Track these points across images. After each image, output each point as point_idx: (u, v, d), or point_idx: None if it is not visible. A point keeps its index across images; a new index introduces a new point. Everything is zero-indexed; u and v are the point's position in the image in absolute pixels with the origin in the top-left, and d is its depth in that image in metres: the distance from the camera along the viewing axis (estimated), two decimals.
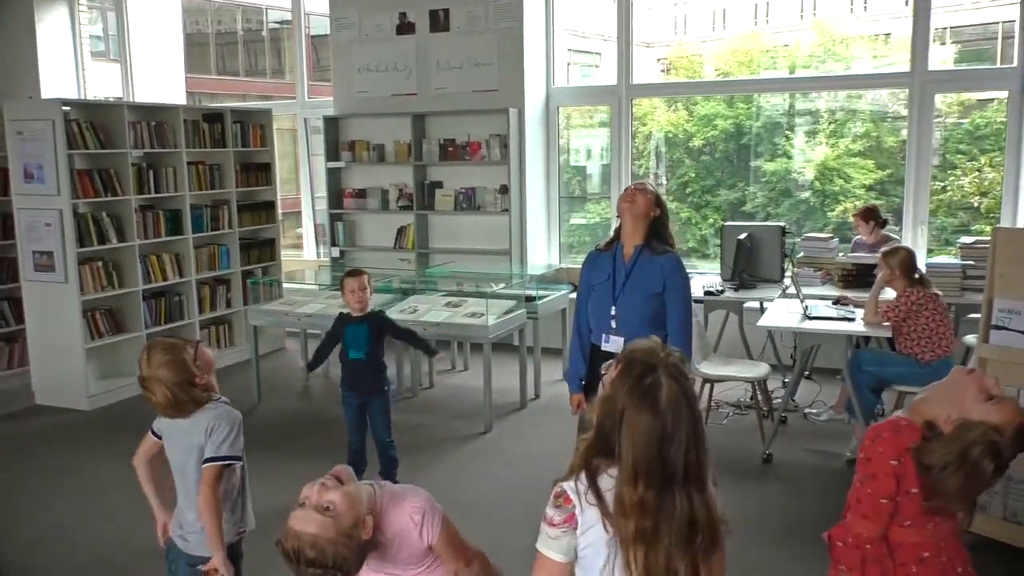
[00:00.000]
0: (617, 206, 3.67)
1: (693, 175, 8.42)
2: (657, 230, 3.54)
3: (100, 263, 6.36)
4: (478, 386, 6.01)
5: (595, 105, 8.11)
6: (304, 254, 9.25)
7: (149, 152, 6.72)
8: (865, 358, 4.98)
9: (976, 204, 7.62)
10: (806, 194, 7.83)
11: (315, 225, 9.19)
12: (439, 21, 7.76)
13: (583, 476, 1.77)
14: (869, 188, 7.69)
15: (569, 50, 8.59)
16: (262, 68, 16.01)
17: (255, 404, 6.26)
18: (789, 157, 7.89)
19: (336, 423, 5.54)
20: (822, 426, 5.57)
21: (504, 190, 7.67)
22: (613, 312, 3.53)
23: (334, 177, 8.33)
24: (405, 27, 7.88)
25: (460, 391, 6.59)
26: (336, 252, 8.35)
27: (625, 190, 3.65)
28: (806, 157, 7.78)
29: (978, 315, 5.33)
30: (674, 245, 3.61)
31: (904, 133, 7.00)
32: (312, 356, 4.82)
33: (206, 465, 2.55)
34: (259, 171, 7.79)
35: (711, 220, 7.94)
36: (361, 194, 8.26)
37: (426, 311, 5.92)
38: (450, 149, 7.84)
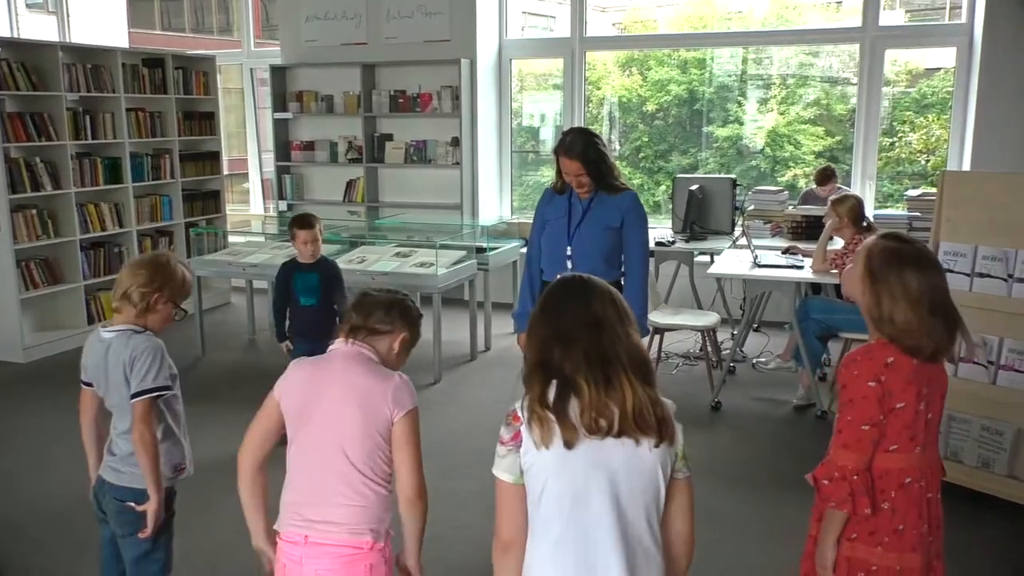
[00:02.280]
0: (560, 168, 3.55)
1: (646, 140, 8.38)
2: (602, 173, 3.45)
3: (34, 211, 6.12)
4: (427, 339, 5.92)
5: (548, 57, 8.00)
6: (251, 208, 9.04)
7: (85, 96, 6.46)
8: (813, 306, 5.01)
9: (924, 161, 7.72)
10: (756, 161, 7.84)
11: (262, 180, 8.98)
12: None
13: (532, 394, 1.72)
14: (818, 155, 7.75)
15: (524, 12, 8.46)
16: (209, 25, 15.52)
17: (199, 357, 6.11)
18: (741, 123, 7.89)
19: (278, 375, 5.44)
20: (770, 375, 5.62)
21: (456, 143, 7.56)
22: (569, 251, 3.47)
23: (281, 129, 8.12)
24: None
25: None
26: (284, 206, 8.17)
27: (559, 157, 3.46)
28: (758, 124, 7.78)
29: None
30: (623, 184, 3.55)
31: (854, 101, 7.04)
32: (275, 322, 4.61)
33: (135, 400, 2.37)
34: (203, 120, 7.55)
35: (664, 186, 7.91)
36: (309, 146, 8.07)
37: (374, 261, 5.81)
38: (401, 101, 7.68)
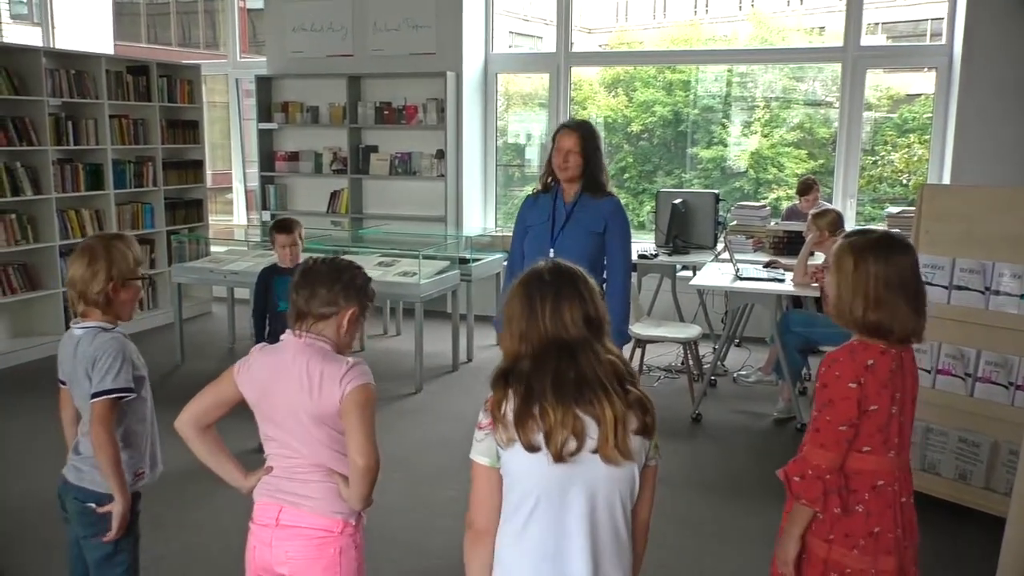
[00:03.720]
0: (551, 158, 3.57)
1: (631, 160, 8.42)
2: (592, 170, 3.48)
3: (13, 216, 6.07)
4: (410, 350, 5.94)
5: (534, 72, 8.04)
6: (234, 219, 9.01)
7: (68, 102, 6.43)
8: (794, 319, 5.03)
9: (905, 181, 7.79)
10: (740, 182, 7.89)
11: (246, 191, 8.95)
12: None
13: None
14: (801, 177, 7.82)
15: (511, 32, 8.52)
16: (196, 39, 15.51)
17: (178, 364, 6.04)
18: (725, 145, 7.94)
19: None
20: (750, 388, 5.63)
21: (441, 155, 7.57)
22: (551, 255, 3.47)
23: (266, 139, 8.11)
24: None
25: (391, 354, 6.48)
26: (267, 216, 8.14)
27: (559, 133, 3.55)
28: (741, 146, 7.84)
29: None
30: (609, 190, 3.57)
31: (836, 125, 7.12)
32: (254, 327, 4.53)
33: (94, 400, 2.29)
34: (186, 128, 7.53)
35: (648, 207, 7.96)
36: (294, 157, 8.06)
37: None
38: (386, 112, 7.69)
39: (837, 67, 6.97)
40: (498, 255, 6.66)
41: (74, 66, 6.48)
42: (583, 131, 3.47)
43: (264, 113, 8.01)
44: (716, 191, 6.60)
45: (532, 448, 1.64)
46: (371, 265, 5.93)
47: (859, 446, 2.00)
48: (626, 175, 8.39)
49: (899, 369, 2.01)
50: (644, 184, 8.00)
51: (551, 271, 1.74)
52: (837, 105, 7.08)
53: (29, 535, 3.61)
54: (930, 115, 6.90)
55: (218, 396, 2.11)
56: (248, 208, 8.96)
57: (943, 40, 6.65)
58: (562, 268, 1.75)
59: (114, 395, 2.32)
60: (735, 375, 5.84)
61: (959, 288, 3.78)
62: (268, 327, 4.46)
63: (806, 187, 6.41)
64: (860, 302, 1.99)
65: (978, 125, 6.20)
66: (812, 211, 5.15)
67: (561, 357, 1.66)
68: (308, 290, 2.02)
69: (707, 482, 4.17)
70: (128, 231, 6.96)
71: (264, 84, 8.01)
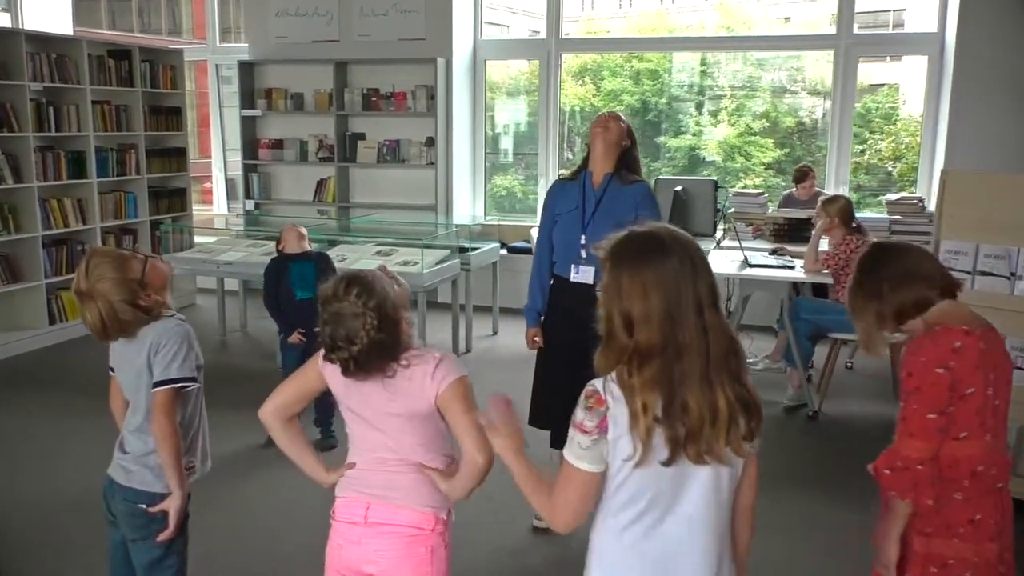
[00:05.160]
0: (589, 131, 3.51)
1: None
2: (627, 161, 3.42)
3: None
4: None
5: (524, 59, 7.95)
6: (214, 209, 8.79)
7: (49, 87, 6.20)
8: (803, 306, 5.02)
9: (891, 169, 7.85)
10: (709, 171, 7.87)
11: (226, 180, 8.74)
12: None
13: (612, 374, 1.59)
14: (767, 167, 7.83)
15: (498, 24, 8.43)
16: (157, 27, 15.14)
17: None
18: (694, 134, 7.91)
19: (256, 377, 5.30)
20: (759, 376, 5.59)
21: (430, 143, 7.45)
22: (583, 241, 3.39)
23: (249, 127, 7.92)
24: None
25: None
26: (251, 205, 7.96)
27: (598, 116, 3.51)
28: (710, 135, 7.82)
29: None
30: (639, 177, 3.51)
31: (801, 113, 7.15)
32: (274, 318, 4.36)
33: (157, 390, 2.19)
34: (169, 115, 7.31)
35: None
36: (278, 145, 7.89)
37: (356, 260, 5.67)
38: (374, 99, 7.55)
39: (805, 57, 7.01)
40: (493, 244, 6.58)
41: (55, 50, 6.25)
42: (622, 120, 3.45)
43: (247, 100, 7.81)
44: (714, 178, 6.57)
45: (675, 450, 1.51)
46: (368, 255, 5.82)
47: (956, 433, 1.95)
48: None
49: (989, 349, 1.97)
50: None
51: (675, 239, 1.57)
52: (803, 94, 7.13)
53: (41, 534, 3.47)
54: (893, 104, 6.99)
55: (302, 387, 2.02)
56: (228, 196, 8.75)
57: (935, 27, 6.69)
58: (681, 235, 1.59)
59: (178, 384, 2.23)
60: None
61: (983, 274, 3.78)
62: (283, 319, 4.32)
63: (802, 174, 6.43)
64: (897, 295, 2.02)
65: (972, 114, 6.25)
66: (822, 198, 5.14)
67: (699, 343, 1.52)
68: (343, 331, 1.85)
69: None
70: (111, 220, 6.76)
71: (246, 70, 7.80)
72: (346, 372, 1.87)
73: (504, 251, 7.00)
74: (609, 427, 1.55)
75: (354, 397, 1.93)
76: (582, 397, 1.59)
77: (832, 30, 6.88)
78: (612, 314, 1.59)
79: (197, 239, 7.20)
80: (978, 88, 6.22)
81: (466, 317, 6.20)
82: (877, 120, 7.48)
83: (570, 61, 8.01)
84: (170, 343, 2.23)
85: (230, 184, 8.74)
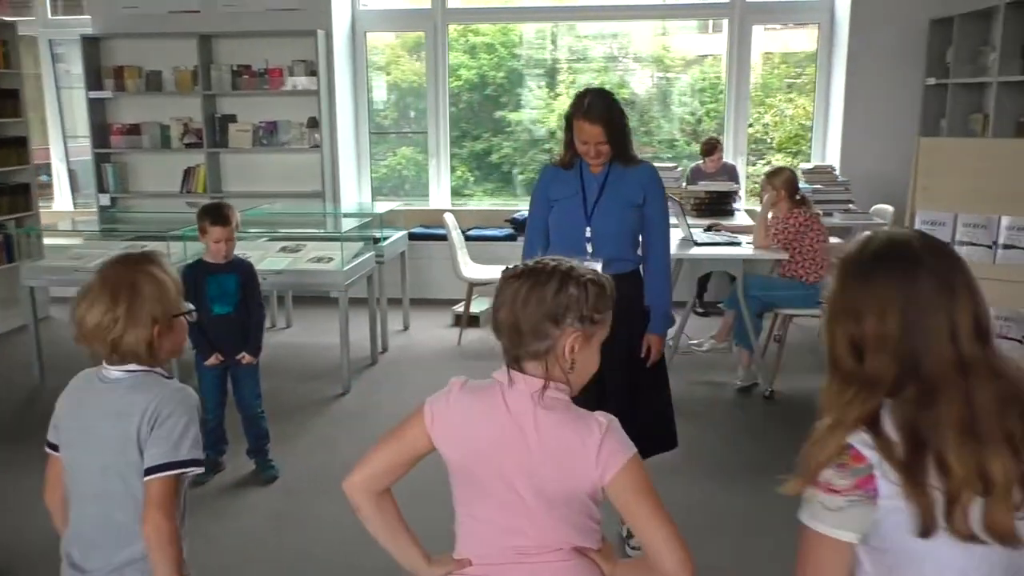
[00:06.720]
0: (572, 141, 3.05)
1: None
2: (621, 147, 3.02)
3: None
4: (310, 343, 5.48)
5: (407, 31, 7.42)
6: (55, 205, 7.71)
7: None
8: (751, 283, 4.87)
9: (769, 139, 7.91)
10: (549, 145, 7.66)
11: (69, 171, 7.70)
12: None
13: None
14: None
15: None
16: None
17: (37, 384, 5.00)
18: (532, 108, 7.68)
19: None
20: (702, 357, 5.44)
21: (313, 123, 6.81)
22: (589, 232, 3.00)
23: (97, 110, 6.96)
24: None
25: (292, 350, 5.75)
26: (106, 200, 7.03)
27: (577, 121, 2.98)
28: (549, 108, 7.61)
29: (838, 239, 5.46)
30: (641, 157, 3.16)
31: (632, 85, 7.27)
32: (191, 341, 3.72)
33: (154, 477, 1.68)
34: (3, 99, 6.26)
35: (459, 172, 7.59)
36: (134, 130, 7.00)
37: (260, 259, 5.00)
38: (245, 77, 6.83)
39: (632, 28, 7.09)
40: (400, 232, 6.08)
41: None
42: (603, 115, 2.92)
43: (93, 80, 6.85)
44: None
45: (929, 521, 1.20)
46: (273, 252, 5.19)
47: None
48: None
49: None
50: (453, 149, 7.55)
51: (929, 248, 1.28)
52: (633, 67, 7.10)
53: None
54: (719, 75, 7.07)
55: (402, 452, 1.54)
56: (73, 190, 7.71)
57: None
58: (936, 243, 1.31)
59: (181, 469, 1.71)
60: (689, 344, 5.53)
61: (963, 244, 3.71)
62: (198, 336, 3.69)
63: (710, 147, 6.31)
64: None
65: (867, 84, 6.34)
66: (767, 170, 5.01)
67: (961, 383, 1.22)
68: (518, 320, 1.45)
69: (678, 459, 3.83)
70: None
71: (91, 46, 6.84)
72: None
73: (412, 241, 6.47)
74: (879, 485, 1.22)
75: (479, 464, 1.48)
76: (821, 456, 1.25)
77: None
78: (836, 335, 1.30)
79: (48, 242, 6.22)
80: (871, 54, 6.32)
81: (381, 313, 5.68)
82: (708, 91, 7.48)
83: (403, 36, 7.52)
84: (175, 415, 1.73)
85: (73, 176, 7.71)
